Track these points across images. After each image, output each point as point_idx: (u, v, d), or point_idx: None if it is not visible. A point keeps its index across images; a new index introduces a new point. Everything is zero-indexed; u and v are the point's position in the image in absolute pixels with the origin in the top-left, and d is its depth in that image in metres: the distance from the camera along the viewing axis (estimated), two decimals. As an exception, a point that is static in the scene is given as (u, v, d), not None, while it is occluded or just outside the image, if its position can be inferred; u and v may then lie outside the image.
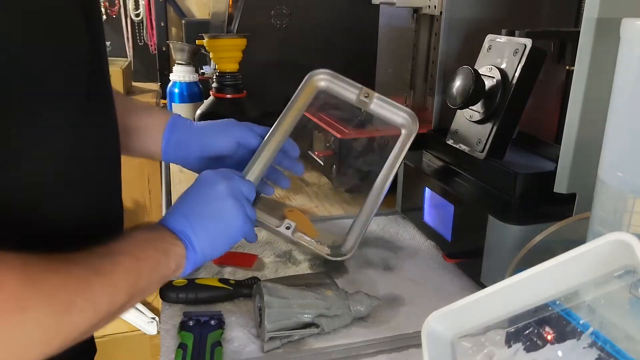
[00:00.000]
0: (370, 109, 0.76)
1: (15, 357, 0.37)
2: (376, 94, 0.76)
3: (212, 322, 0.61)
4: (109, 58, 0.58)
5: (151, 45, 2.02)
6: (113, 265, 0.44)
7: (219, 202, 0.55)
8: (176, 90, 1.30)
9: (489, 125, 0.71)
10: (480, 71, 0.71)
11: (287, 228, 0.71)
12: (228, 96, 1.02)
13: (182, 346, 0.57)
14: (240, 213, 0.56)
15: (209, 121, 0.72)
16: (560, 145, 0.58)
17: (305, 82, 0.75)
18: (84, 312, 0.40)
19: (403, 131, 0.77)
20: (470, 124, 0.75)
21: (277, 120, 0.73)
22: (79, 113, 0.47)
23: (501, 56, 0.71)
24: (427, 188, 0.81)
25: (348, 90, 0.76)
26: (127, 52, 2.04)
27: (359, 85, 0.76)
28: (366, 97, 0.76)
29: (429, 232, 0.84)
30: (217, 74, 0.98)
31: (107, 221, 0.56)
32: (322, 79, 0.76)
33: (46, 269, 0.39)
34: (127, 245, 0.48)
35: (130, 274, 0.45)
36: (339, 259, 0.72)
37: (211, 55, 0.99)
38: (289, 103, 0.74)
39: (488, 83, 0.71)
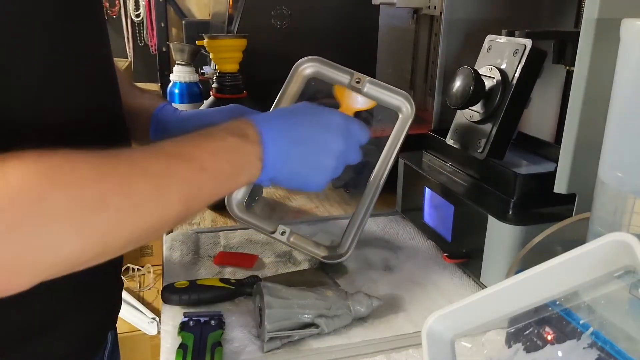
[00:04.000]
0: (364, 93, 0.73)
1: (42, 254, 0.34)
2: (368, 78, 0.73)
3: (212, 322, 0.61)
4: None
5: (151, 46, 2.03)
6: (168, 169, 0.41)
7: (327, 152, 0.53)
8: (176, 91, 1.30)
9: (489, 126, 0.71)
10: (480, 71, 0.71)
11: (282, 233, 0.71)
12: (228, 97, 1.01)
13: (182, 346, 0.57)
14: (333, 172, 0.55)
15: (195, 111, 0.70)
16: (560, 145, 0.58)
17: (292, 71, 0.74)
18: (123, 212, 0.37)
19: (400, 115, 0.74)
20: (470, 124, 0.75)
21: None
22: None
23: (501, 56, 0.71)
24: (427, 188, 0.82)
25: (339, 76, 0.74)
26: (128, 53, 2.04)
27: (350, 70, 0.74)
28: (358, 82, 0.73)
29: (429, 233, 0.84)
30: (217, 74, 0.98)
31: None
32: (310, 66, 0.74)
33: (73, 163, 0.36)
34: (196, 150, 0.44)
35: (189, 184, 0.42)
36: (335, 261, 0.72)
37: (211, 55, 0.99)
38: (278, 96, 0.73)
39: (488, 83, 0.71)
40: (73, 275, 0.37)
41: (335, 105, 0.74)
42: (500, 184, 0.69)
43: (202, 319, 0.61)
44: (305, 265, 0.77)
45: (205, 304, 0.66)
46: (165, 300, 0.66)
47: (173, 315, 0.64)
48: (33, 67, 0.42)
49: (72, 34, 0.46)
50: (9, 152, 0.34)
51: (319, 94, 0.79)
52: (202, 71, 1.36)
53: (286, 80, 0.73)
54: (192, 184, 0.42)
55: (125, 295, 1.68)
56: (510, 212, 0.66)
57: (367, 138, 0.58)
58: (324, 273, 0.74)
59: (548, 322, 0.44)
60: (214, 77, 0.98)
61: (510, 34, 0.72)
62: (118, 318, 0.64)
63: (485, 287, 0.63)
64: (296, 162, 0.52)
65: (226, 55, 0.95)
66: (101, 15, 0.53)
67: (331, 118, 0.55)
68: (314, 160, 0.53)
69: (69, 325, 0.51)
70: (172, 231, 0.89)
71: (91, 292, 0.54)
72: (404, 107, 0.74)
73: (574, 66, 0.55)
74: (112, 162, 0.38)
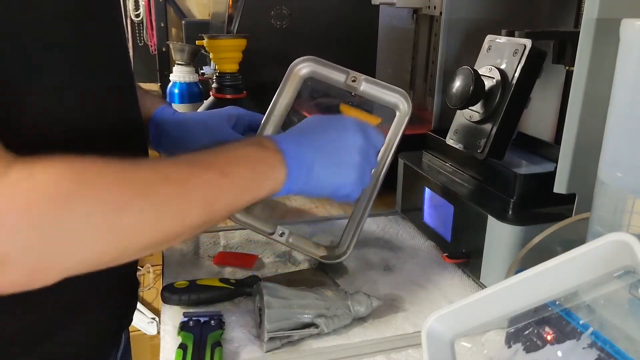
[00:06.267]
0: (360, 92, 0.73)
1: (66, 252, 0.36)
2: (364, 76, 0.73)
3: (212, 322, 0.61)
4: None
5: (151, 46, 2.02)
6: (190, 175, 0.42)
7: (349, 149, 0.54)
8: (176, 91, 1.30)
9: (488, 126, 0.71)
10: (480, 71, 0.71)
11: (281, 235, 0.71)
12: (228, 97, 1.02)
13: (182, 346, 0.57)
14: (361, 171, 0.54)
15: (194, 113, 0.71)
16: (560, 145, 0.58)
17: (288, 72, 0.73)
18: (144, 215, 0.38)
19: (397, 113, 0.74)
20: (470, 124, 0.75)
21: (264, 117, 0.71)
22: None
23: (501, 56, 0.71)
24: (427, 188, 0.81)
25: (334, 75, 0.73)
26: (127, 53, 2.03)
27: (345, 69, 0.73)
28: (353, 81, 0.73)
29: (429, 233, 0.84)
30: (217, 74, 0.98)
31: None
32: (305, 66, 0.73)
33: (99, 167, 0.37)
34: (217, 158, 0.46)
35: (210, 189, 0.43)
36: (334, 261, 0.72)
37: (211, 55, 0.99)
38: (274, 97, 0.72)
39: (488, 83, 0.71)
40: (91, 274, 0.38)
41: None
42: (500, 184, 0.69)
43: (202, 319, 0.61)
44: (305, 265, 0.77)
45: (205, 304, 0.66)
46: (165, 300, 0.66)
47: (173, 315, 0.64)
48: (56, 68, 0.43)
49: (94, 37, 0.46)
50: (37, 155, 0.35)
51: (315, 93, 0.79)
52: (202, 71, 1.36)
53: (282, 81, 0.73)
54: (213, 189, 0.43)
55: (125, 295, 1.67)
56: (510, 212, 0.66)
57: (382, 143, 0.59)
58: (324, 273, 0.74)
59: (548, 322, 0.44)
60: (214, 77, 0.99)
61: (510, 34, 0.72)
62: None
63: (485, 287, 0.63)
64: (321, 162, 0.52)
65: (226, 55, 0.96)
66: (120, 22, 0.53)
67: (345, 120, 0.57)
68: (339, 157, 0.53)
69: (84, 325, 0.51)
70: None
71: (109, 292, 0.54)
72: (401, 104, 0.74)
73: (573, 66, 0.55)
74: (136, 168, 0.40)
